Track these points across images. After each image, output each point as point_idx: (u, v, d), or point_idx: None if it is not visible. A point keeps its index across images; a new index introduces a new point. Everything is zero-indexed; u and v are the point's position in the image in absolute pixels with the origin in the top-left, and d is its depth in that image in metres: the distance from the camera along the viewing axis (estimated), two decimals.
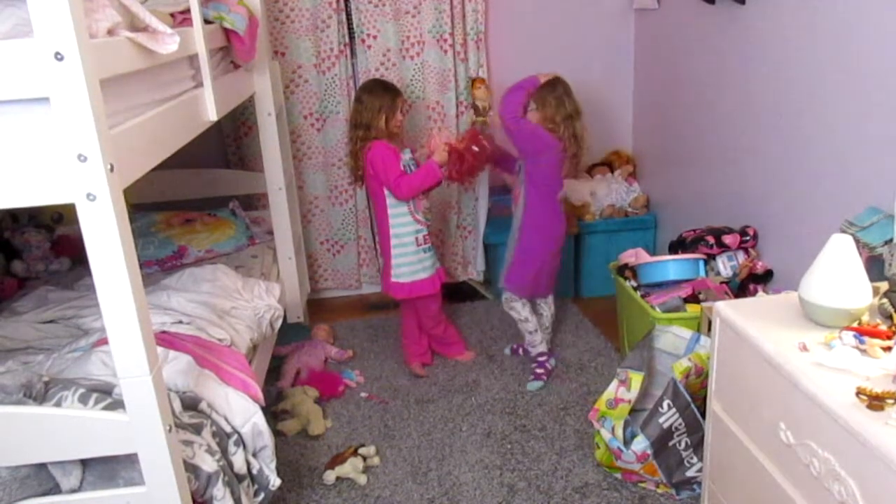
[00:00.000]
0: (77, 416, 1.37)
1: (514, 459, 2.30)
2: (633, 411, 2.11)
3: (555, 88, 2.57)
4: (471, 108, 3.34)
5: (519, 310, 2.74)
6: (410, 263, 2.68)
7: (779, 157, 2.41)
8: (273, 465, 1.84)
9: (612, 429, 2.08)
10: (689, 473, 2.06)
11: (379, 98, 2.59)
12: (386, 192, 2.61)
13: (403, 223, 2.65)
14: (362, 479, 2.21)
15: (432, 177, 2.58)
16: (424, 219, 2.70)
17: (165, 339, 1.79)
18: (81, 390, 1.45)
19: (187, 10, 1.85)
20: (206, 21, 2.01)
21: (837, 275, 1.42)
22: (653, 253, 3.04)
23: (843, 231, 1.85)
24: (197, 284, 2.24)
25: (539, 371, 2.75)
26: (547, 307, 2.84)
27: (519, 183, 2.67)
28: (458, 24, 3.23)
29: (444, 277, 2.83)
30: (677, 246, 2.76)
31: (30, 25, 1.08)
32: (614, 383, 2.16)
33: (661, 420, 2.02)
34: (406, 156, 2.65)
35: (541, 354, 2.79)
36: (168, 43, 1.48)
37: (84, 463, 1.45)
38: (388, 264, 2.71)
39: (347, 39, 3.24)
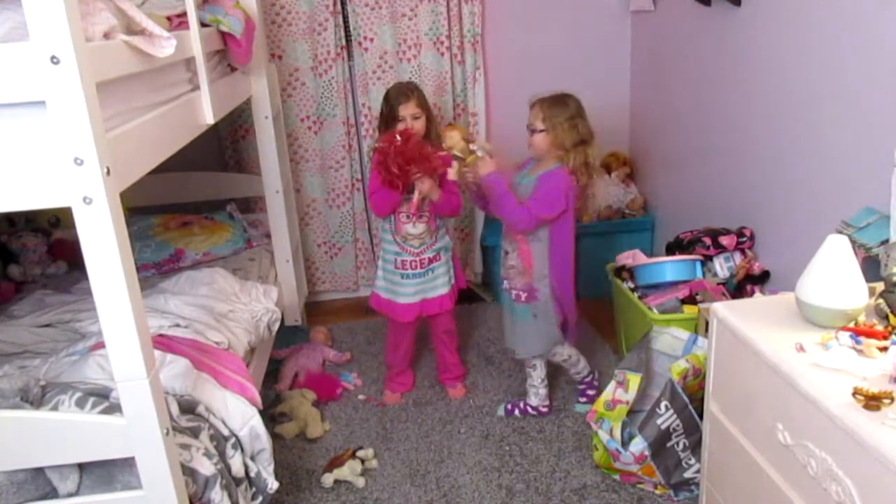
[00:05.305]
0: (74, 419, 1.37)
1: (513, 461, 2.30)
2: (631, 412, 2.11)
3: (566, 107, 2.26)
4: (467, 111, 3.35)
5: (560, 351, 2.49)
6: (387, 280, 2.58)
7: (775, 158, 2.42)
8: (271, 468, 1.84)
9: (611, 430, 2.08)
10: (687, 474, 2.06)
11: (384, 106, 2.49)
12: None
13: (387, 240, 2.55)
14: (360, 482, 2.21)
15: (376, 191, 2.41)
16: (407, 245, 2.48)
17: (163, 343, 1.79)
18: (78, 394, 1.44)
19: (184, 14, 1.85)
20: (203, 24, 2.02)
21: (834, 275, 1.42)
22: (650, 254, 3.04)
23: (840, 232, 1.85)
24: (194, 288, 2.25)
25: (591, 392, 2.57)
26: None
27: (529, 242, 2.32)
28: (454, 27, 3.24)
29: (427, 312, 2.57)
30: (674, 247, 2.76)
31: (26, 29, 1.08)
32: (612, 385, 2.16)
33: (658, 421, 2.02)
34: None
35: (589, 374, 2.60)
36: (164, 46, 1.48)
37: (81, 467, 1.45)
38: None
39: (344, 42, 3.25)
